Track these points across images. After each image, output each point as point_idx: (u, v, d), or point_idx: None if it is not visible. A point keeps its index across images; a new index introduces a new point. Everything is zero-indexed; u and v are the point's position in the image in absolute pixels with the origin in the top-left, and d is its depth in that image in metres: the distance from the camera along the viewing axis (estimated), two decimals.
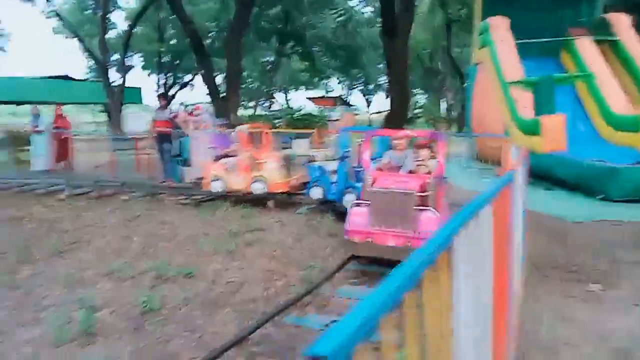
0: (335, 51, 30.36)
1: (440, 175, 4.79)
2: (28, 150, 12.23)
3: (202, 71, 14.96)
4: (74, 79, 25.85)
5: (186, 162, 9.43)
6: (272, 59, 32.02)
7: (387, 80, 19.80)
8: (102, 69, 21.75)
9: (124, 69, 22.42)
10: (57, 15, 24.48)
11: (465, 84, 16.95)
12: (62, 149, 11.62)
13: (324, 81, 42.36)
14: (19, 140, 13.63)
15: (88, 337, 3.24)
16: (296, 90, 45.79)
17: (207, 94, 14.31)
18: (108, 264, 4.73)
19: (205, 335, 3.28)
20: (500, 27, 11.39)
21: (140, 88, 29.12)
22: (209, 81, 14.08)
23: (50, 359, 3.01)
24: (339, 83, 45.77)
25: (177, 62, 31.25)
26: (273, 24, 26.39)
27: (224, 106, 13.27)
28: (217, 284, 4.24)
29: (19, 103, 24.08)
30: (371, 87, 45.79)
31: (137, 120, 19.89)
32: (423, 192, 4.36)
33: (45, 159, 11.27)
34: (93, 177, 9.84)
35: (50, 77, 24.35)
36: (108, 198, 8.43)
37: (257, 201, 7.43)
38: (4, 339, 3.29)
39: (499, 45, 10.99)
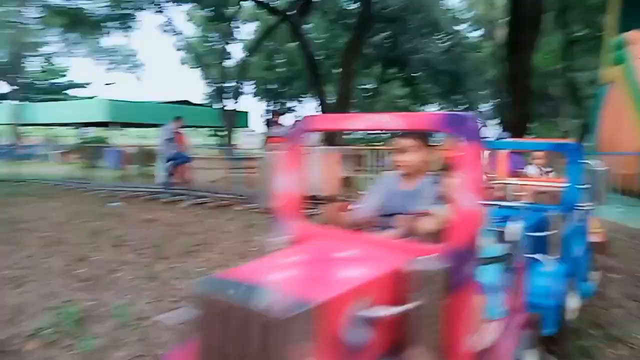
0: (439, 76, 29.82)
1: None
2: (154, 165, 13.48)
3: (315, 93, 15.50)
4: (192, 104, 28.34)
5: None
6: (371, 85, 32.35)
7: (499, 103, 18.84)
8: (219, 95, 23.53)
9: (237, 95, 24.05)
10: (185, 47, 27.14)
11: (591, 106, 15.49)
12: (183, 164, 12.59)
13: (423, 107, 41.76)
14: (147, 157, 15.13)
15: None
16: None
17: None
18: (233, 264, 4.86)
19: None
20: (639, 42, 10.28)
21: (247, 112, 30.99)
22: (322, 102, 14.51)
23: None
24: (438, 109, 44.88)
25: (284, 89, 32.95)
26: (378, 49, 26.71)
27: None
28: None
29: (147, 125, 26.83)
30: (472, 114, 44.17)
31: (249, 139, 21.15)
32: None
33: (168, 172, 12.27)
34: (209, 190, 10.47)
35: (173, 102, 26.95)
36: (224, 208, 8.85)
37: None
38: (146, 324, 3.45)
39: (637, 62, 9.89)
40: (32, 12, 24.89)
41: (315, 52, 27.51)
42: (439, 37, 27.29)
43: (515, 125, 11.49)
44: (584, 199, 3.28)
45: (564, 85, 27.14)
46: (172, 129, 11.24)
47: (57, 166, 21.39)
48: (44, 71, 37.52)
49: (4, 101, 34.03)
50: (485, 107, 39.65)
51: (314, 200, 8.48)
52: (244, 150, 20.03)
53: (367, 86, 33.84)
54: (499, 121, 23.56)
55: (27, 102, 30.48)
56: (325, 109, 14.52)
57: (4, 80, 30.78)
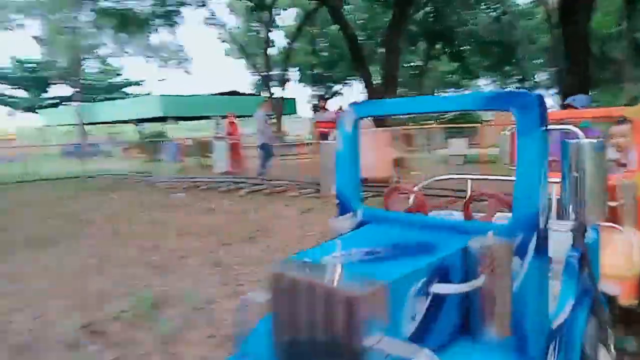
0: (488, 48, 28.58)
1: None
2: (211, 156, 14.00)
3: (359, 76, 15.35)
4: (241, 94, 28.94)
5: None
6: (418, 63, 31.54)
7: (556, 71, 17.76)
8: (265, 83, 23.94)
9: (283, 82, 24.31)
10: (229, 38, 27.66)
11: None
12: (235, 153, 13.00)
13: (474, 81, 40.20)
14: (203, 148, 15.71)
15: None
16: (445, 93, 44.45)
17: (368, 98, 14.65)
18: (291, 248, 5.02)
19: None
20: None
21: (295, 99, 31.21)
22: (367, 83, 14.37)
23: None
24: (490, 83, 43.03)
25: (329, 73, 32.83)
26: (421, 25, 25.97)
27: None
28: None
29: (198, 118, 27.73)
30: (527, 84, 42.01)
31: (295, 125, 21.41)
32: None
33: (224, 163, 12.72)
34: (264, 177, 10.76)
35: (221, 94, 27.64)
36: (279, 194, 9.07)
37: None
38: (214, 307, 3.66)
39: None
40: (85, 16, 26.24)
41: (357, 32, 27.19)
42: (486, 6, 26.07)
43: (575, 93, 10.84)
44: None
45: (628, 47, 25.20)
46: (263, 116, 11.39)
47: (120, 162, 22.64)
48: (101, 72, 39.57)
49: (68, 103, 36.29)
50: (541, 76, 37.64)
51: (368, 182, 8.52)
52: (293, 137, 20.29)
53: (413, 64, 33.03)
54: (557, 90, 22.30)
55: (88, 103, 32.32)
56: (371, 90, 14.36)
57: (67, 84, 32.74)
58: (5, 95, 38.26)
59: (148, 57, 34.97)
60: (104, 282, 4.30)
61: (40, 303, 3.78)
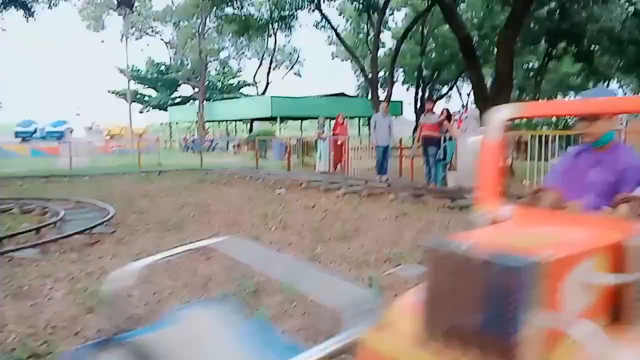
0: (623, 48, 25.51)
1: None
2: (314, 155, 14.48)
3: (470, 76, 14.73)
4: (347, 96, 29.41)
5: (450, 166, 9.39)
6: (536, 64, 29.25)
7: None
8: (372, 85, 23.99)
9: (390, 84, 24.10)
10: (338, 41, 28.24)
11: None
12: (338, 154, 13.26)
13: (602, 84, 36.18)
14: (307, 147, 16.30)
15: None
16: (564, 96, 40.58)
17: (473, 102, 13.93)
18: (386, 251, 5.02)
19: None
20: None
21: (401, 101, 30.86)
22: (479, 85, 13.73)
23: None
24: (620, 86, 38.40)
25: (436, 75, 31.88)
26: (543, 23, 24.02)
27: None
28: None
29: (306, 118, 28.79)
30: None
31: (399, 128, 21.16)
32: None
33: (326, 162, 13.06)
34: (363, 179, 10.85)
35: (329, 95, 28.35)
36: (377, 196, 9.08)
37: None
38: (309, 301, 3.80)
39: None
40: (211, 22, 28.57)
41: (470, 32, 26.02)
42: (620, 1, 23.25)
43: None
44: None
45: None
46: (383, 119, 11.53)
47: (232, 157, 24.38)
48: (221, 74, 42.83)
49: (193, 101, 39.90)
50: None
51: (470, 190, 8.18)
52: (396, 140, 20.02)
53: (530, 65, 30.74)
54: None
55: (209, 102, 35.20)
56: (483, 92, 13.67)
57: (191, 84, 36.02)
58: (140, 94, 43.20)
59: (264, 59, 37.12)
60: (212, 267, 4.70)
61: (158, 281, 4.25)
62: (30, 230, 5.90)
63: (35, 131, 34.12)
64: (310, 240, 5.70)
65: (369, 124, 31.60)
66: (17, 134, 33.09)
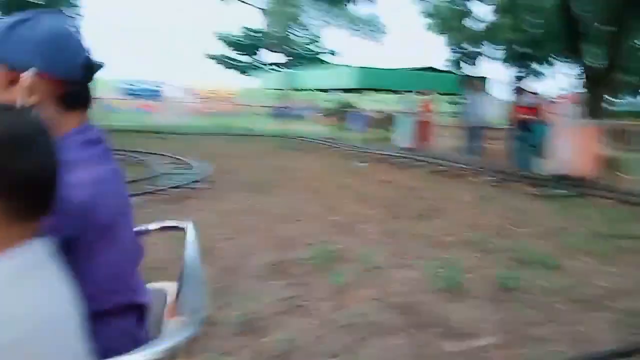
0: None
1: None
2: (395, 130, 14.29)
3: (574, 56, 13.55)
4: (436, 70, 28.33)
5: (540, 152, 8.84)
6: None
7: None
8: (460, 60, 22.94)
9: (478, 60, 22.86)
10: (432, 13, 27.11)
11: None
12: (423, 130, 12.95)
13: None
14: (389, 121, 16.10)
15: (454, 293, 3.46)
16: None
17: (576, 85, 12.80)
18: (465, 234, 4.96)
19: (576, 334, 2.96)
20: None
21: (489, 79, 29.13)
22: (583, 65, 12.62)
23: (425, 301, 3.35)
24: None
25: (534, 52, 29.51)
26: None
27: (595, 98, 11.58)
28: (585, 284, 3.77)
29: (391, 91, 28.23)
30: None
31: (487, 107, 20.12)
32: None
33: (409, 138, 12.85)
34: (447, 158, 10.57)
35: (417, 69, 27.50)
36: (460, 177, 8.85)
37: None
38: (383, 273, 3.90)
39: None
40: None
41: (578, 7, 23.64)
42: None
43: None
44: None
45: None
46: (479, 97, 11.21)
47: (314, 126, 24.77)
48: (307, 42, 43.07)
49: (279, 69, 40.75)
50: None
51: (566, 179, 7.71)
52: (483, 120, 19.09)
53: None
54: None
55: (295, 70, 35.73)
56: (589, 73, 12.52)
57: (279, 51, 36.72)
58: (232, 59, 44.89)
59: (349, 28, 36.67)
60: (293, 230, 4.95)
61: (244, 237, 4.59)
62: (136, 181, 6.57)
63: (137, 89, 36.95)
64: (387, 215, 5.76)
65: (457, 102, 30.32)
66: (121, 91, 36.06)
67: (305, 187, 7.40)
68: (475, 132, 10.82)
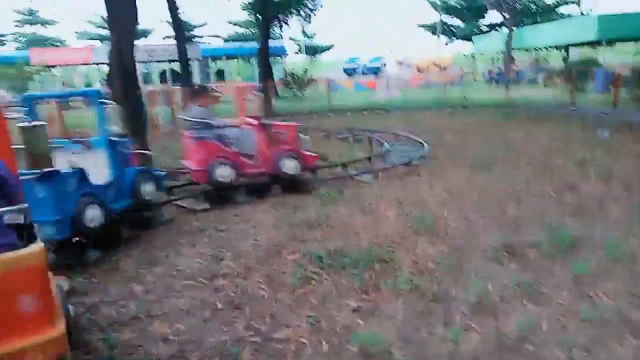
0: None
1: None
2: None
3: None
4: None
5: None
6: None
7: None
8: None
9: None
10: None
11: None
12: None
13: None
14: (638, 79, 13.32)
15: None
16: None
17: None
18: None
19: None
20: None
21: None
22: None
23: None
24: None
25: None
26: None
27: None
28: None
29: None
30: None
31: None
32: None
33: None
34: None
35: None
36: None
37: None
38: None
39: None
40: None
41: None
42: None
43: None
44: None
45: None
46: None
47: (543, 90, 22.21)
48: None
49: (499, 28, 37.57)
50: None
51: None
52: None
53: None
54: None
55: (518, 28, 32.37)
56: None
57: (500, 10, 33.64)
58: (446, 25, 43.31)
59: None
60: (520, 210, 4.74)
61: (471, 215, 4.62)
62: (366, 159, 7.23)
63: (357, 67, 39.34)
64: (638, 196, 4.94)
65: None
66: (344, 70, 38.94)
67: (533, 162, 6.88)
68: None
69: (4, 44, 47.29)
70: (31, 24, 48.32)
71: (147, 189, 4.61)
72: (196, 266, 3.70)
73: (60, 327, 2.00)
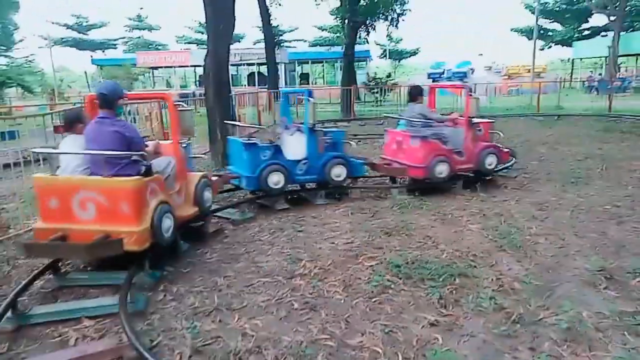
0: None
1: None
2: None
3: None
4: None
5: None
6: None
7: None
8: None
9: None
10: None
11: None
12: None
13: None
14: None
15: None
16: None
17: None
18: None
19: None
20: None
21: None
22: None
23: None
24: None
25: None
26: None
27: None
28: None
29: None
30: None
31: None
32: None
33: None
34: None
35: None
36: None
37: None
38: None
39: None
40: None
41: None
42: None
43: None
44: None
45: None
46: None
47: None
48: None
49: (605, 33, 34.54)
50: None
51: None
52: None
53: None
54: None
55: (627, 32, 29.57)
56: None
57: (605, 13, 30.92)
58: (543, 29, 40.65)
59: None
60: (622, 231, 4.31)
61: (560, 234, 4.28)
62: None
63: (443, 72, 38.26)
64: None
65: None
66: (429, 75, 38.06)
67: (638, 179, 6.23)
68: None
69: (116, 47, 52.31)
70: (139, 29, 52.96)
71: (336, 171, 5.49)
72: (275, 264, 3.79)
73: (145, 226, 3.30)
